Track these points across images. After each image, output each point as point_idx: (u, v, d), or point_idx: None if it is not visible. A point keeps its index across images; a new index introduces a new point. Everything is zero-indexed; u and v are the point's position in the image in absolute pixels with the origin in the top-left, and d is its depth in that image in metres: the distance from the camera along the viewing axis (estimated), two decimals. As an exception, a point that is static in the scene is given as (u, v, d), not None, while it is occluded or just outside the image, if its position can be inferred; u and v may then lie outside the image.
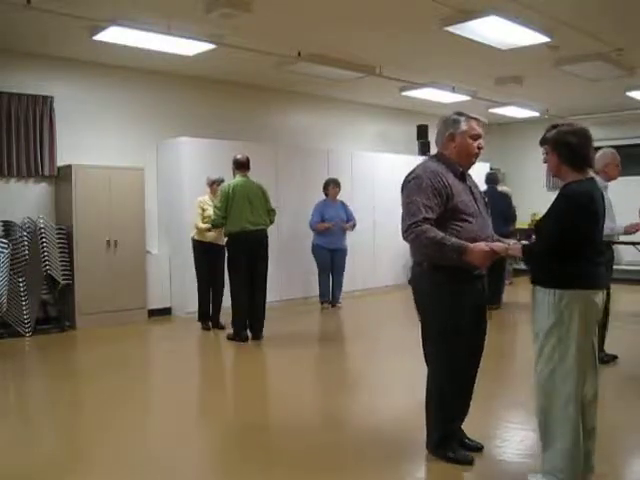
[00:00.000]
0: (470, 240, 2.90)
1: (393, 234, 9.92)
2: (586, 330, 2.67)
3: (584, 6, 5.51)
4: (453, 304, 2.99)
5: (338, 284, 8.31)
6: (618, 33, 6.31)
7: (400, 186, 3.13)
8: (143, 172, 7.40)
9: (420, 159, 11.22)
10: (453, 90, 8.83)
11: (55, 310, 6.86)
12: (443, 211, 2.95)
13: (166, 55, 6.56)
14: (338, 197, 8.30)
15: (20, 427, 3.97)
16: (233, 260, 6.12)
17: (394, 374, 5.05)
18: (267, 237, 6.20)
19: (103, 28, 5.73)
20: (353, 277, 9.03)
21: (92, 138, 7.33)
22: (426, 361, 3.19)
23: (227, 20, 5.52)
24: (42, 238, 6.60)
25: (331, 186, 8.21)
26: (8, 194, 6.78)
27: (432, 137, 11.99)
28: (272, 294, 8.09)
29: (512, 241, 3.10)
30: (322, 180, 8.43)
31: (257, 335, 6.15)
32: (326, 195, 8.25)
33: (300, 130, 9.47)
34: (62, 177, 6.99)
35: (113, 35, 5.90)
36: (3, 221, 6.62)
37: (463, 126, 3.05)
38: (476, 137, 3.06)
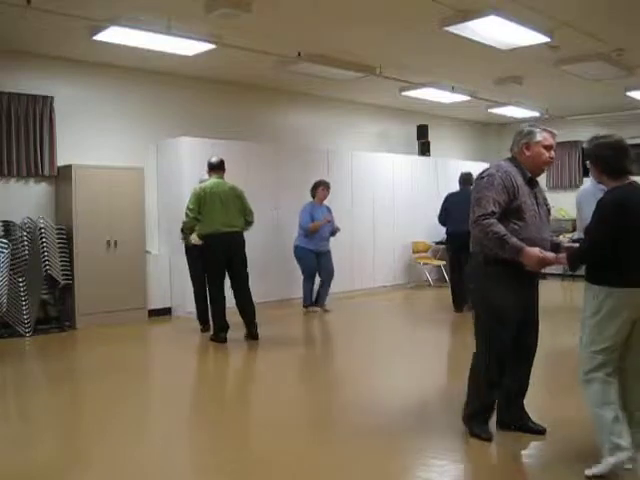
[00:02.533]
0: (526, 239, 3.17)
1: (393, 234, 9.99)
2: (619, 325, 2.86)
3: (584, 6, 5.52)
4: (501, 296, 3.24)
5: (326, 288, 7.87)
6: (618, 33, 6.31)
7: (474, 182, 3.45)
8: (143, 172, 7.41)
9: (420, 159, 11.37)
10: (453, 90, 8.83)
11: (55, 310, 6.86)
12: (507, 208, 3.22)
13: (166, 55, 6.56)
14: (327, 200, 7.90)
15: (20, 427, 3.97)
16: (209, 262, 6.08)
17: (398, 375, 5.06)
18: (242, 239, 6.07)
19: (103, 28, 5.73)
20: (352, 277, 9.03)
21: (92, 138, 7.33)
22: (476, 344, 3.45)
23: (227, 20, 5.52)
24: (42, 238, 6.60)
25: (321, 188, 7.77)
26: (8, 194, 6.78)
27: (432, 137, 11.99)
28: (273, 294, 8.14)
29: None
30: (322, 180, 8.41)
31: (252, 334, 6.08)
32: (313, 197, 7.82)
33: (300, 130, 9.46)
34: (62, 177, 6.99)
35: (113, 35, 5.90)
36: (3, 221, 6.62)
37: (538, 137, 3.31)
38: (549, 148, 3.33)
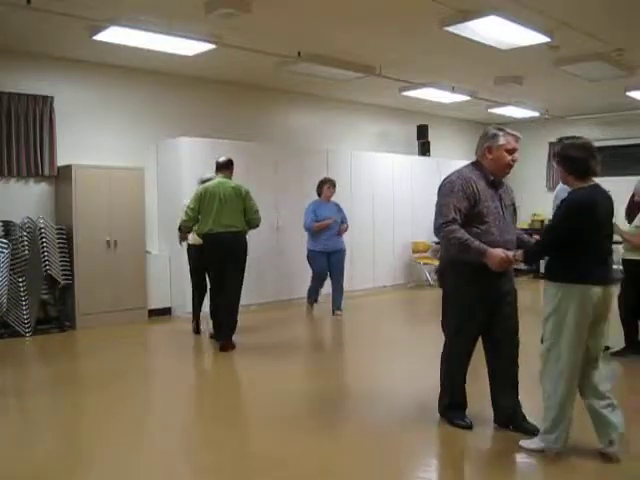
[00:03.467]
0: (488, 242, 3.28)
1: (393, 234, 9.99)
2: (578, 321, 3.00)
3: (584, 6, 5.52)
4: (467, 294, 3.39)
5: (339, 289, 7.63)
6: (618, 33, 6.31)
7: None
8: (143, 172, 7.41)
9: (420, 159, 11.36)
10: (453, 90, 8.83)
11: (55, 310, 6.85)
12: (468, 214, 3.33)
13: (166, 55, 6.56)
14: (332, 198, 7.75)
15: (20, 427, 3.97)
16: (207, 261, 6.05)
17: (398, 376, 5.05)
18: (241, 240, 5.89)
19: (103, 28, 5.72)
20: (352, 278, 9.02)
21: (92, 138, 7.33)
22: (444, 333, 3.65)
23: (227, 20, 5.52)
24: (42, 238, 6.61)
25: (326, 186, 7.57)
26: (8, 194, 6.77)
27: (432, 137, 11.95)
28: (272, 295, 8.14)
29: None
30: (322, 180, 8.39)
31: (222, 340, 5.89)
32: (319, 195, 7.63)
33: (300, 130, 9.46)
34: (62, 177, 6.99)
35: (113, 35, 5.89)
36: (3, 221, 6.62)
37: (501, 140, 3.40)
38: (511, 151, 3.40)
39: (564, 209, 3.05)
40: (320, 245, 7.46)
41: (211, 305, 6.17)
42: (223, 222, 5.82)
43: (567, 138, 3.16)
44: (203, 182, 6.32)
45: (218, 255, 5.87)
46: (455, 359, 3.57)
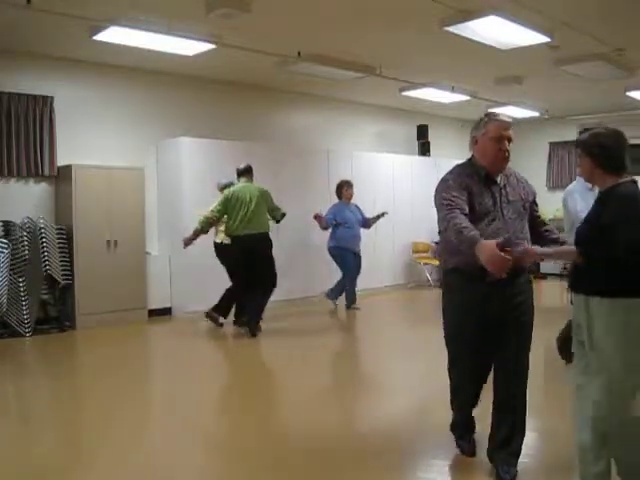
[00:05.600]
0: None
1: (393, 234, 9.99)
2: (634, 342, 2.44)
3: (584, 6, 5.52)
4: (457, 307, 3.01)
5: (343, 285, 8.16)
6: (618, 33, 6.32)
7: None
8: (143, 172, 7.41)
9: (420, 159, 11.32)
10: (453, 90, 8.83)
11: (55, 310, 6.85)
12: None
13: (166, 55, 6.56)
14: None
15: (20, 427, 3.97)
16: (233, 260, 6.51)
17: (400, 375, 5.05)
18: (267, 240, 6.42)
19: (103, 28, 5.72)
20: (353, 277, 9.01)
21: (92, 138, 7.33)
22: None
23: (227, 20, 5.52)
24: (42, 238, 6.61)
25: (345, 188, 8.00)
26: (8, 194, 6.77)
27: (432, 137, 11.91)
28: (273, 294, 8.13)
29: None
30: (322, 180, 8.43)
31: (251, 331, 6.36)
32: (339, 197, 8.06)
33: (300, 130, 9.47)
34: (62, 177, 6.99)
35: (113, 35, 5.89)
36: (3, 221, 6.62)
37: (483, 128, 2.96)
38: (498, 139, 2.90)
39: (629, 206, 2.51)
40: (345, 243, 7.84)
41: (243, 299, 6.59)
42: (247, 225, 6.25)
43: (597, 129, 2.66)
44: (223, 187, 6.73)
45: (244, 256, 6.30)
46: (456, 376, 3.14)
